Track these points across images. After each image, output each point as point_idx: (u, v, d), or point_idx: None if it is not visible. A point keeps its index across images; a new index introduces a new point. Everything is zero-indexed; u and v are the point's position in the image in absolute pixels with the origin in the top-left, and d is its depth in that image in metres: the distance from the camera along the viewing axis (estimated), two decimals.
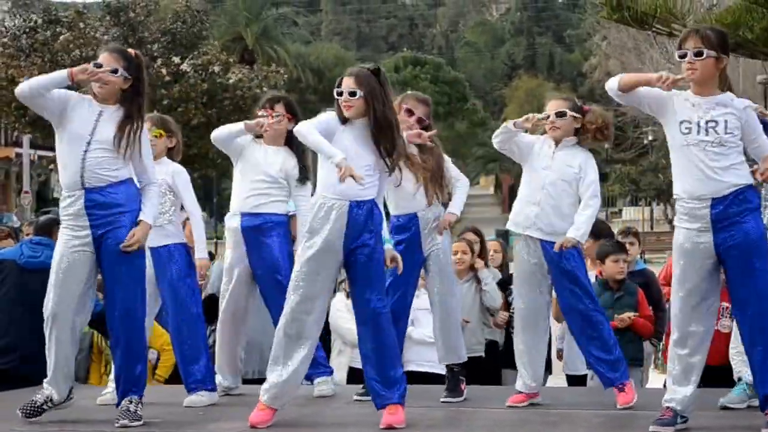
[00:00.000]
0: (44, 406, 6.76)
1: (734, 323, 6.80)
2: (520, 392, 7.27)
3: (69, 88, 6.76)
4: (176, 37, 37.55)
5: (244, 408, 6.77)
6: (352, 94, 6.51)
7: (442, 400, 7.41)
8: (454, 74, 76.29)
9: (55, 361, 6.73)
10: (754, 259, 6.16)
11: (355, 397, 7.34)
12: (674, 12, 10.47)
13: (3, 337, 8.24)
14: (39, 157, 51.77)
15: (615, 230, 10.86)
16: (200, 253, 7.67)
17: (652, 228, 52.48)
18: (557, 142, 7.23)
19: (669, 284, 9.87)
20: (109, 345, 7.03)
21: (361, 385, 7.29)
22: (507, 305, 9.31)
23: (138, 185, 6.81)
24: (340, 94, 6.54)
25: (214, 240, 37.72)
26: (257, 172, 7.57)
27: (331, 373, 7.83)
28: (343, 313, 8.63)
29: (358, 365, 7.37)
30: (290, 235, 7.60)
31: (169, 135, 7.76)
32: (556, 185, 7.17)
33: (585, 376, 8.97)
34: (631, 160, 59.39)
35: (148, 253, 7.19)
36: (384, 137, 6.52)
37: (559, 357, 9.30)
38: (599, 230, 9.06)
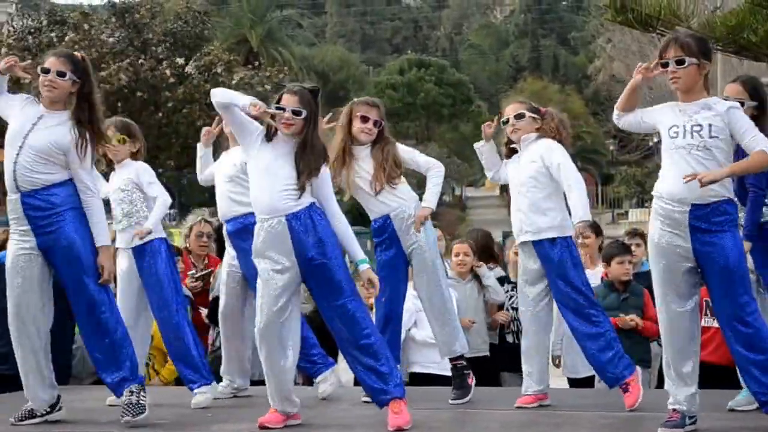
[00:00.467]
0: (35, 412, 6.80)
1: None
2: (528, 394, 7.30)
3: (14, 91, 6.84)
4: (178, 38, 37.59)
5: (251, 409, 6.79)
6: (297, 113, 6.54)
7: (450, 401, 7.44)
8: (458, 76, 76.19)
9: (26, 368, 6.75)
10: (737, 285, 6.14)
11: (363, 399, 7.36)
12: (678, 14, 10.47)
13: (3, 344, 8.25)
14: None
15: (621, 232, 10.89)
16: (149, 223, 7.52)
17: None
18: (520, 145, 7.36)
19: None
20: (85, 345, 7.01)
21: None
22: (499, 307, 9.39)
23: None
24: (282, 110, 6.53)
25: (223, 242, 37.65)
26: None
27: (331, 365, 7.85)
28: None
29: None
30: None
31: (133, 140, 7.78)
32: (526, 184, 7.28)
33: (586, 378, 9.00)
34: (636, 161, 59.33)
35: (129, 253, 7.42)
36: (306, 158, 6.49)
37: (557, 364, 9.30)
38: (599, 227, 9.13)
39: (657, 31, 11.00)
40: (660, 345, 9.21)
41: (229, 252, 7.86)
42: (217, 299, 8.79)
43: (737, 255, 6.16)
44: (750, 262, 6.60)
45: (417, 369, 8.76)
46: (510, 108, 7.44)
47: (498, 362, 9.15)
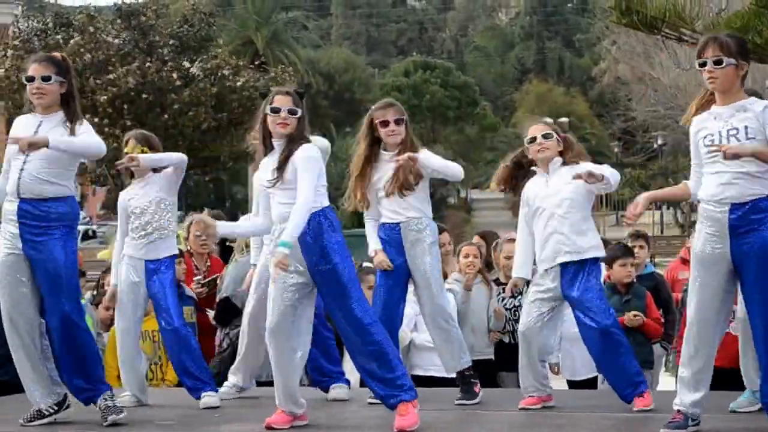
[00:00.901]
0: (43, 411, 6.85)
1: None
2: (532, 395, 7.33)
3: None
4: (183, 40, 37.63)
5: (258, 410, 6.82)
6: (293, 112, 6.61)
7: (456, 402, 7.45)
8: (463, 78, 76.15)
9: (22, 367, 6.83)
10: None
11: (369, 400, 7.38)
12: (683, 16, 10.47)
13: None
14: None
15: (625, 234, 10.90)
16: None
17: (662, 232, 52.36)
18: (545, 167, 7.30)
19: (672, 288, 9.97)
20: (55, 353, 7.03)
21: None
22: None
23: None
24: (276, 111, 6.60)
25: (227, 242, 37.69)
26: None
27: (347, 383, 7.89)
28: None
29: None
30: None
31: (154, 152, 7.78)
32: (562, 205, 7.21)
33: (586, 380, 9.03)
34: (641, 164, 59.35)
35: (140, 265, 7.51)
36: (289, 152, 6.60)
37: (556, 372, 9.32)
38: None
39: (662, 33, 11.01)
40: (663, 347, 9.29)
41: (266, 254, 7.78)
42: (224, 300, 8.83)
43: None
44: None
45: (418, 372, 8.78)
46: (536, 128, 7.39)
47: (496, 362, 9.16)
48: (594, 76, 70.15)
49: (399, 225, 7.41)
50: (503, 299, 9.23)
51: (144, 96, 34.51)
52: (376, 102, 7.78)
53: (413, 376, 8.77)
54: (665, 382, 9.78)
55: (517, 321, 9.21)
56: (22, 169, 6.70)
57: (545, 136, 7.30)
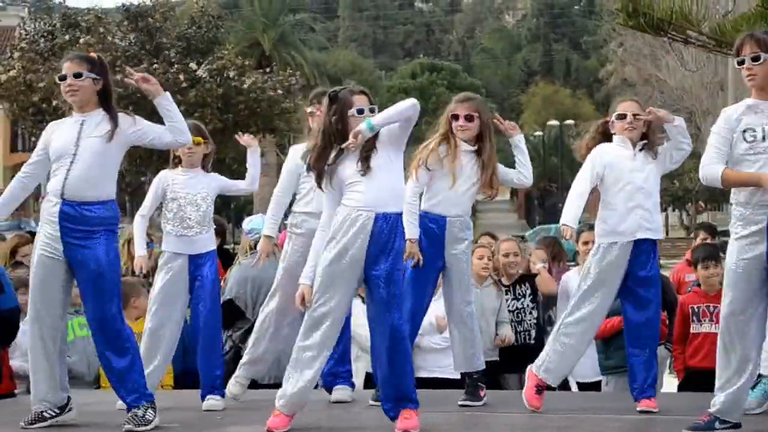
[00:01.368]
0: (44, 414, 6.79)
1: None
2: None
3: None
4: (190, 42, 37.68)
5: (260, 412, 6.80)
6: (372, 111, 6.60)
7: (460, 403, 7.44)
8: (470, 80, 76.38)
9: (35, 368, 6.76)
10: None
11: (371, 402, 7.37)
12: (690, 18, 10.46)
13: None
14: None
15: None
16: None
17: (667, 234, 52.39)
18: (633, 143, 7.31)
19: (678, 290, 9.98)
20: (100, 361, 7.02)
21: (375, 388, 7.32)
22: None
23: (162, 140, 6.88)
24: (361, 112, 6.54)
25: (232, 245, 37.74)
26: None
27: (352, 386, 7.86)
28: (360, 320, 8.64)
29: None
30: None
31: (206, 142, 7.76)
32: (651, 182, 7.26)
33: (595, 383, 9.02)
34: None
35: (186, 259, 7.43)
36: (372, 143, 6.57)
37: None
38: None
39: (668, 36, 11.00)
40: (667, 349, 9.28)
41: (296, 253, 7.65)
42: (228, 302, 8.82)
43: None
44: None
45: (423, 374, 8.77)
46: (628, 104, 7.41)
47: (500, 364, 9.16)
48: (600, 78, 70.21)
49: (446, 219, 7.38)
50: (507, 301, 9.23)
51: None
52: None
53: (418, 378, 8.78)
54: (669, 383, 9.76)
55: (519, 323, 9.24)
56: (69, 170, 6.64)
57: (636, 116, 7.30)
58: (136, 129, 6.82)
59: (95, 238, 6.63)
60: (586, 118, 74.42)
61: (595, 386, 9.11)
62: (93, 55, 6.99)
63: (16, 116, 38.47)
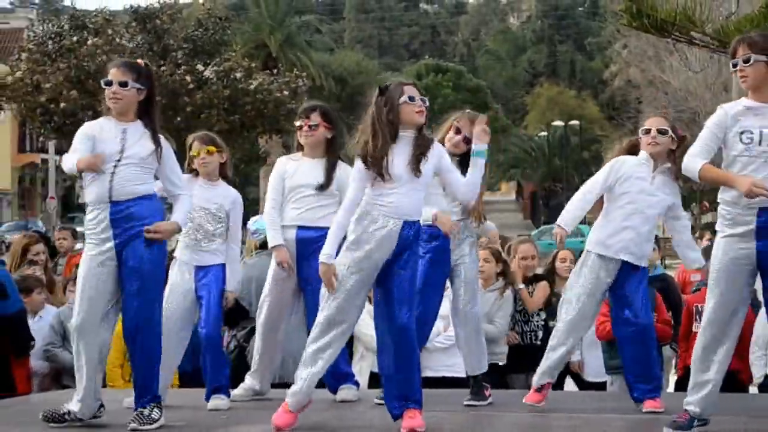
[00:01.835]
0: (66, 416, 6.78)
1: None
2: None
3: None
4: (197, 44, 37.72)
5: (266, 411, 6.82)
6: (424, 101, 6.59)
7: (465, 402, 7.45)
8: (475, 82, 76.28)
9: (85, 378, 6.73)
10: None
11: (376, 401, 7.39)
12: (693, 20, 10.47)
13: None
14: None
15: None
16: (231, 285, 7.67)
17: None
18: (654, 162, 7.21)
19: (683, 290, 10.00)
20: (128, 355, 7.06)
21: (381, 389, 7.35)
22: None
23: (170, 197, 6.91)
24: (413, 99, 6.49)
25: None
26: (307, 186, 7.58)
27: (357, 385, 7.88)
28: (365, 319, 8.68)
29: None
30: None
31: (219, 150, 7.76)
32: (655, 208, 7.20)
33: (598, 383, 9.05)
34: None
35: (190, 270, 7.48)
36: (425, 145, 6.63)
37: (577, 369, 9.33)
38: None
39: (672, 37, 11.02)
40: (673, 348, 9.31)
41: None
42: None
43: None
44: None
45: (428, 373, 8.79)
46: (655, 120, 7.30)
47: (506, 364, 9.18)
48: (605, 79, 70.12)
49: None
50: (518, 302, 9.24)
51: (157, 98, 34.56)
52: None
53: (423, 378, 8.80)
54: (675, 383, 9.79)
55: (526, 323, 9.26)
56: (113, 173, 6.64)
57: (660, 131, 7.22)
58: (164, 156, 6.83)
59: (141, 233, 6.63)
60: (590, 119, 74.55)
61: (601, 386, 9.14)
62: (140, 62, 6.96)
63: (24, 117, 38.53)
